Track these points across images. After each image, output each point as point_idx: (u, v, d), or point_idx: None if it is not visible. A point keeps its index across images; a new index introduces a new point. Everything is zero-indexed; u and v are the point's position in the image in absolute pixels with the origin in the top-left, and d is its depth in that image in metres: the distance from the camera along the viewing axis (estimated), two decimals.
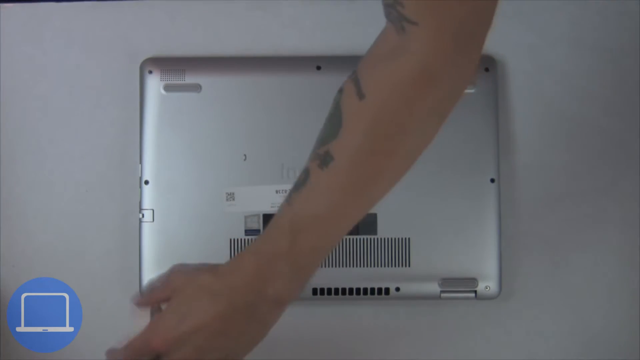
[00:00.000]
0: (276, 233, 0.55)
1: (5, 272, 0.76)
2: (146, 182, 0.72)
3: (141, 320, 0.74)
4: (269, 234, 0.56)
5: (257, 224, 0.71)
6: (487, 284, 0.72)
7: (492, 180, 0.72)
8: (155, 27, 0.77)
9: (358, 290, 0.71)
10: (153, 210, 0.72)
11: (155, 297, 0.61)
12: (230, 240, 0.71)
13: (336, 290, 0.71)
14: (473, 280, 0.72)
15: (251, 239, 0.71)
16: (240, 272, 0.55)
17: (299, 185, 0.55)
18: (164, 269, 0.70)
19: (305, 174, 0.55)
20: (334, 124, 0.54)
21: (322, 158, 0.54)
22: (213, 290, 0.55)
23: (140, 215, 0.72)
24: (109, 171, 0.77)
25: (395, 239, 0.71)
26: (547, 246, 0.75)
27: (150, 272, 0.72)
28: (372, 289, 0.71)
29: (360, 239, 0.71)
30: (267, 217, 0.71)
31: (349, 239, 0.71)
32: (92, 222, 0.76)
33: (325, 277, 0.71)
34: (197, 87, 0.73)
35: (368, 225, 0.71)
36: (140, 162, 0.73)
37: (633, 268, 0.75)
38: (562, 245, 0.75)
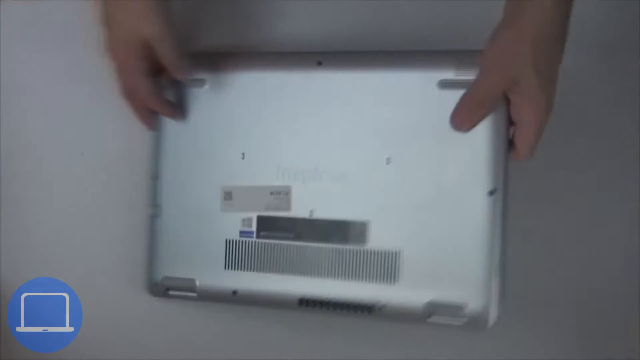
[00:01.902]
0: None
1: (5, 272, 0.76)
2: (154, 178, 0.72)
3: (140, 317, 0.75)
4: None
5: (251, 225, 0.69)
6: (477, 311, 0.64)
7: (491, 193, 0.65)
8: None
9: (344, 304, 0.67)
10: (160, 206, 0.72)
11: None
12: (226, 240, 0.70)
13: (322, 302, 0.68)
14: (462, 306, 0.65)
15: (245, 241, 0.70)
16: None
17: None
18: (169, 265, 0.71)
19: None
20: None
21: None
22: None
23: (150, 211, 0.72)
24: (109, 167, 0.76)
25: (385, 252, 0.66)
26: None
27: (156, 268, 0.72)
28: (356, 305, 0.67)
29: (347, 250, 0.67)
30: (261, 219, 0.69)
31: (336, 249, 0.67)
32: (92, 219, 0.76)
33: (312, 287, 0.68)
34: (201, 83, 0.72)
35: (357, 235, 0.67)
36: (151, 158, 0.73)
37: (633, 264, 0.75)
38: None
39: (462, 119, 0.65)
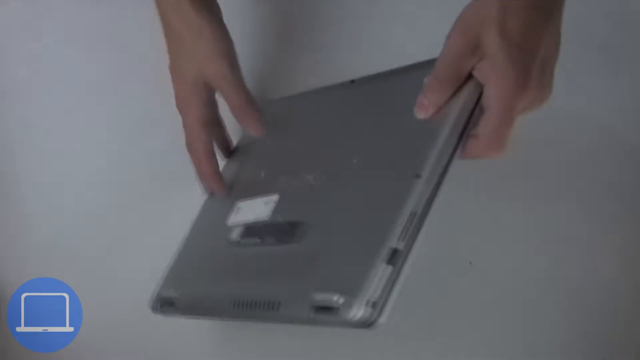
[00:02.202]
0: None
1: (5, 272, 0.76)
2: None
3: (141, 318, 0.75)
4: None
5: (238, 236, 0.64)
6: (347, 307, 0.49)
7: (417, 176, 0.52)
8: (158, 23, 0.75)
9: (250, 305, 0.57)
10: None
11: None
12: (214, 252, 0.66)
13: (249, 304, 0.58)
14: (333, 302, 0.50)
15: (223, 252, 0.65)
16: None
17: None
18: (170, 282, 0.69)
19: None
20: None
21: None
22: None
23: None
24: (109, 168, 0.77)
25: (306, 248, 0.57)
26: None
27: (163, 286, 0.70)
28: (257, 303, 0.56)
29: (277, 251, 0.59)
30: (248, 227, 0.64)
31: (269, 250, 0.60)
32: (92, 220, 0.76)
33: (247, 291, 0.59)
34: None
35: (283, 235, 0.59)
36: None
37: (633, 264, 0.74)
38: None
39: (423, 101, 0.55)
